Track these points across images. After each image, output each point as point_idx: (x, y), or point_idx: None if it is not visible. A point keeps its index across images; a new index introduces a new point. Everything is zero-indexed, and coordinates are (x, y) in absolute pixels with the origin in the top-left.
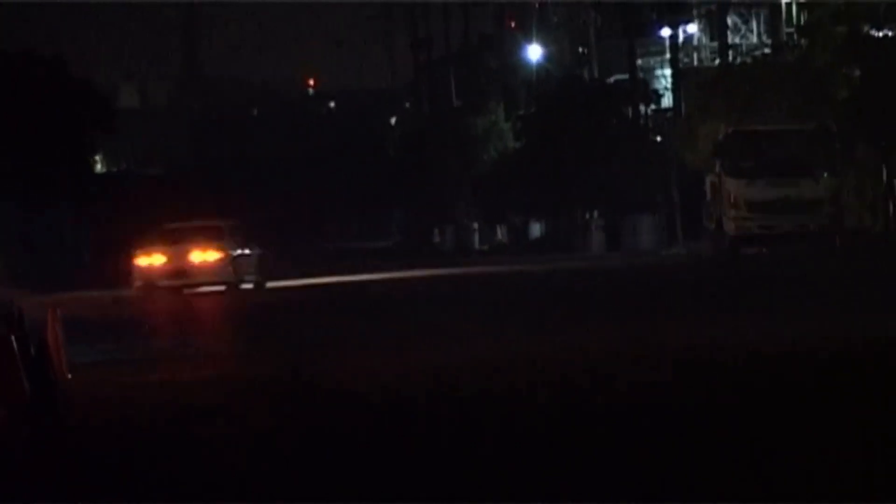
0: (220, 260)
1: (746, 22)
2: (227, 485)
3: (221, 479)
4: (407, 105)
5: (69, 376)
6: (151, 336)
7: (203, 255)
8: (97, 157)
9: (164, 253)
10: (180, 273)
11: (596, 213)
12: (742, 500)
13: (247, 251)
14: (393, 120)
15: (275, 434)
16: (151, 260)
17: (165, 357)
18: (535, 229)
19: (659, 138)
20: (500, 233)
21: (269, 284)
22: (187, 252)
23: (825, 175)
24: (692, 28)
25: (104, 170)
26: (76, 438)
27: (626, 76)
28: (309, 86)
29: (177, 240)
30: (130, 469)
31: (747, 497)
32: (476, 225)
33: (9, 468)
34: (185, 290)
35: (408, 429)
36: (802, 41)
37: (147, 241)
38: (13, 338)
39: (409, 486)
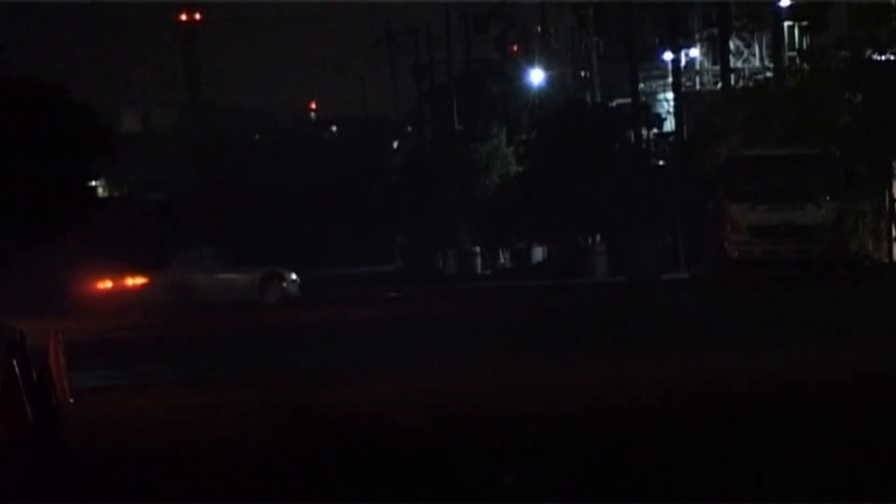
0: (151, 284)
1: (749, 46)
2: None
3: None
4: (409, 130)
5: (71, 400)
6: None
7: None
8: (99, 183)
9: (111, 279)
10: (130, 295)
11: (598, 238)
12: None
13: (221, 275)
14: (395, 145)
15: (272, 457)
16: (104, 285)
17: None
18: (538, 253)
19: (661, 162)
20: (503, 257)
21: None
22: (134, 277)
23: (827, 200)
24: (694, 52)
25: (106, 194)
26: (77, 462)
27: (628, 100)
28: (311, 111)
29: (126, 267)
30: (131, 492)
31: None
32: (478, 249)
33: (11, 491)
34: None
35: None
36: (805, 66)
37: (98, 267)
38: (15, 362)
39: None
